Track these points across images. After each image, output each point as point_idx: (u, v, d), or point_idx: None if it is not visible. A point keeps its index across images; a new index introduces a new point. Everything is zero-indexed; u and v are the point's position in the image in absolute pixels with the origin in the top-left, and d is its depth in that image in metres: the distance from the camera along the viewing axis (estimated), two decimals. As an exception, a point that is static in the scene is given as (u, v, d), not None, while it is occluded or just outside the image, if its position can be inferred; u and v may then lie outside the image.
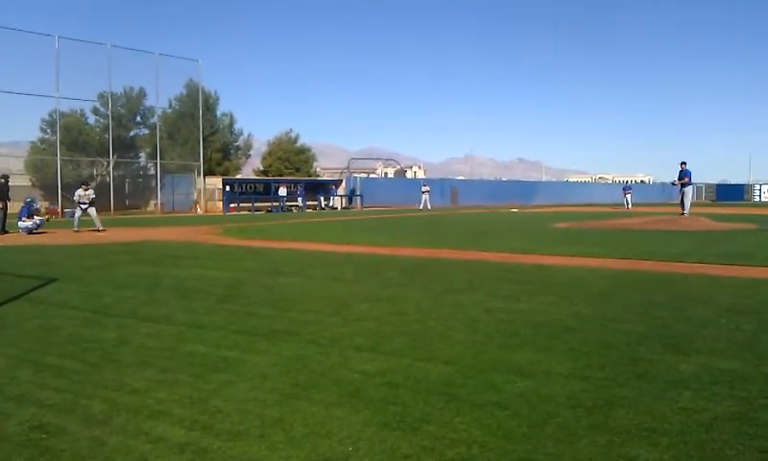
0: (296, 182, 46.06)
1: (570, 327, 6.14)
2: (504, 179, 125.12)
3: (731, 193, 74.62)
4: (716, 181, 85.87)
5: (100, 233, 19.71)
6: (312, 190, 46.42)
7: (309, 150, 61.56)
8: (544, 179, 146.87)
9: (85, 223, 21.16)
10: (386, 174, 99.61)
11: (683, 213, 24.64)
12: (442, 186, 58.01)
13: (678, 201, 25.42)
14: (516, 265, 11.12)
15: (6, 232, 19.06)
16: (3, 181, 20.63)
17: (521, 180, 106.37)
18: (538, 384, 4.37)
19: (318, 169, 66.97)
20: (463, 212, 38.42)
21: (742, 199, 71.34)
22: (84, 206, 20.86)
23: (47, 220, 22.59)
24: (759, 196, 72.16)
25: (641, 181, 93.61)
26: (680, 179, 25.21)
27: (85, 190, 21.24)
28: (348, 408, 3.96)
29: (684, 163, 25.37)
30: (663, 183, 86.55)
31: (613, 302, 7.46)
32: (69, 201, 33.66)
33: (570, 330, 5.98)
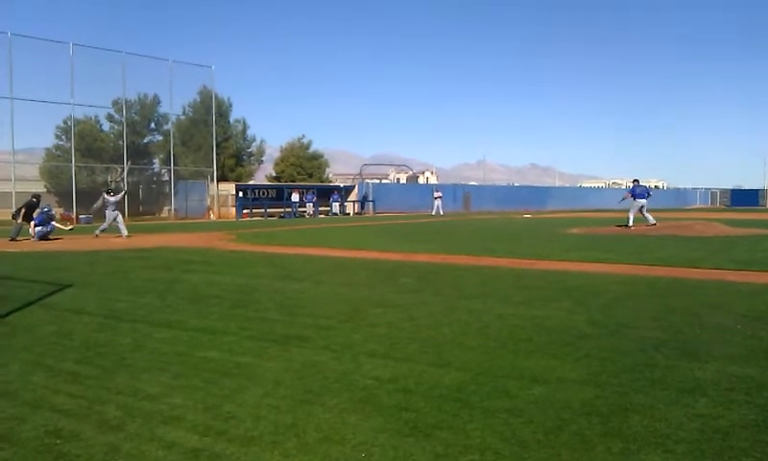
0: (308, 188, 46.13)
1: (584, 333, 6.11)
2: (517, 184, 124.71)
3: (745, 198, 74.07)
4: (731, 187, 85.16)
5: (117, 240, 19.84)
6: (324, 196, 46.48)
7: (322, 156, 61.61)
8: (557, 184, 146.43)
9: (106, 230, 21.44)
10: (398, 179, 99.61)
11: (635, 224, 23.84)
12: (454, 192, 57.84)
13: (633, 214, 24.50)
14: (529, 271, 11.08)
15: (14, 240, 19.19)
16: (34, 200, 21.04)
17: (534, 185, 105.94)
18: (552, 391, 4.34)
19: (330, 175, 67.00)
20: (475, 218, 38.35)
21: (757, 204, 70.77)
22: (112, 210, 21.19)
23: (70, 228, 23.02)
24: (775, 201, 71.52)
25: (655, 187, 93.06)
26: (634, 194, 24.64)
27: (113, 195, 21.76)
28: (362, 414, 3.96)
29: (636, 181, 25.19)
30: (678, 189, 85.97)
31: (628, 308, 7.42)
32: (86, 208, 33.94)
33: (584, 337, 5.95)
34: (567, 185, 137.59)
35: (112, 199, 21.49)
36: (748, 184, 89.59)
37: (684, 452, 3.32)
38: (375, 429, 3.71)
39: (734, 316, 6.80)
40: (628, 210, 24.65)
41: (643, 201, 24.19)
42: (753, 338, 5.80)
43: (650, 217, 23.98)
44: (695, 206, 66.37)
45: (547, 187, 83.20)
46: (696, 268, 11.06)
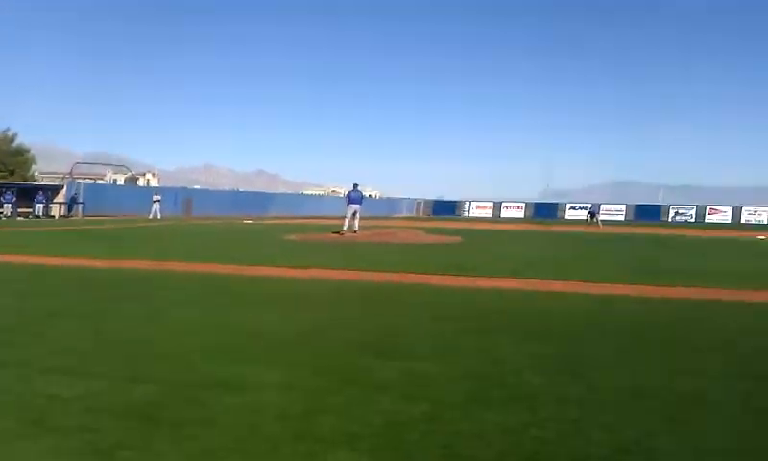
0: (7, 187, 41.06)
1: (288, 338, 6.18)
2: (242, 189, 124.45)
3: (445, 208, 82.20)
4: (434, 197, 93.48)
5: None
6: (27, 196, 41.71)
7: (28, 151, 55.49)
8: (281, 191, 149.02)
9: None
10: (115, 181, 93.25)
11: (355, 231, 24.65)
12: (176, 196, 55.81)
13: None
14: (242, 277, 11.00)
15: None
16: None
17: (260, 191, 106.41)
18: (247, 397, 4.29)
19: (36, 173, 60.62)
20: (197, 223, 37.30)
21: (454, 214, 78.93)
22: None
23: None
24: (469, 211, 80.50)
25: (369, 195, 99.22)
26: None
27: None
28: (31, 439, 3.51)
29: (355, 185, 26.05)
30: (390, 198, 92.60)
31: (334, 311, 7.70)
32: None
33: (288, 342, 6.02)
34: (291, 192, 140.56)
35: None
36: (449, 196, 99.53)
37: (367, 449, 3.47)
38: (47, 452, 3.32)
39: (426, 316, 7.42)
40: (345, 217, 25.41)
41: (356, 206, 25.24)
42: (438, 336, 6.36)
43: (356, 224, 25.06)
44: (401, 215, 71.88)
45: (271, 194, 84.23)
46: (396, 272, 11.84)
